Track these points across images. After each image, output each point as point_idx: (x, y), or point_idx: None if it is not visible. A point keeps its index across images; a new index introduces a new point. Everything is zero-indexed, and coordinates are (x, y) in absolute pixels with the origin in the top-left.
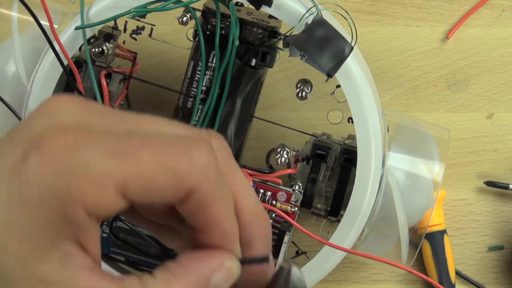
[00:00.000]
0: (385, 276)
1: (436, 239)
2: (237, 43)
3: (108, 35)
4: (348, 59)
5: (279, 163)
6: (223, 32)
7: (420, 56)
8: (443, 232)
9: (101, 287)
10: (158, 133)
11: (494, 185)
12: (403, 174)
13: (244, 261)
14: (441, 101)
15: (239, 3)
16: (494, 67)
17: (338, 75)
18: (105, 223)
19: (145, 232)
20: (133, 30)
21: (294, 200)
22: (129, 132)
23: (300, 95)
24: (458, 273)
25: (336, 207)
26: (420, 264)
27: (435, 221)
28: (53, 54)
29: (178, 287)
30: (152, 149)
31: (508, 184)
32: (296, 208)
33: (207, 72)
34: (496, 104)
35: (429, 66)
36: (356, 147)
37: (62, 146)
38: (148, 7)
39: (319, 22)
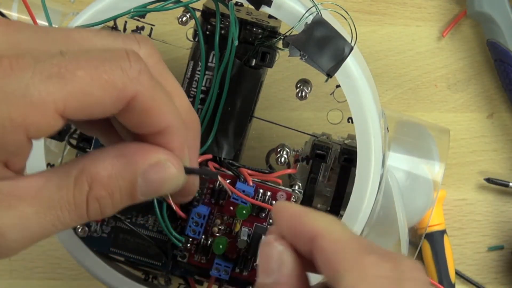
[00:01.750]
0: None
1: (436, 239)
2: (236, 43)
3: None
4: (348, 59)
5: (278, 163)
6: (222, 32)
7: (420, 56)
8: (443, 232)
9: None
10: (88, 49)
11: (494, 182)
12: (403, 174)
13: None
14: (441, 101)
15: (239, 3)
16: (494, 67)
17: (338, 75)
18: (105, 223)
19: (145, 233)
20: (132, 30)
21: (294, 200)
22: (61, 51)
23: (300, 95)
24: (458, 273)
25: (336, 207)
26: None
27: (435, 221)
28: None
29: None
30: (86, 66)
31: (509, 182)
32: None
33: (206, 72)
34: (496, 104)
35: (429, 66)
36: (356, 147)
37: None
38: (147, 7)
39: (319, 22)
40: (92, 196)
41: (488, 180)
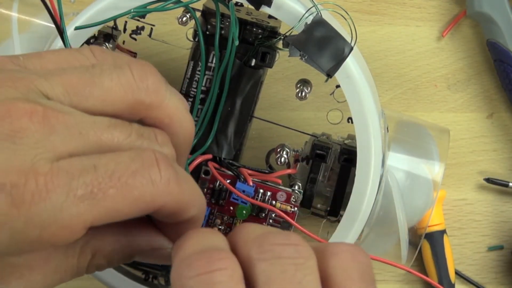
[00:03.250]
0: (385, 276)
1: (435, 239)
2: (236, 43)
3: (107, 35)
4: (348, 59)
5: (278, 163)
6: (222, 32)
7: (420, 56)
8: (443, 232)
9: None
10: (119, 158)
11: (494, 182)
12: (403, 174)
13: None
14: (441, 101)
15: (239, 3)
16: (494, 67)
17: (338, 75)
18: None
19: None
20: (132, 30)
21: (294, 200)
22: (94, 165)
23: (300, 95)
24: (458, 273)
25: (336, 207)
26: (420, 264)
27: (434, 221)
28: None
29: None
30: (117, 184)
31: (508, 182)
32: (296, 208)
33: (206, 72)
34: (496, 104)
35: (429, 66)
36: (355, 147)
37: (34, 194)
38: (148, 7)
39: (319, 22)
40: (93, 264)
41: (488, 180)
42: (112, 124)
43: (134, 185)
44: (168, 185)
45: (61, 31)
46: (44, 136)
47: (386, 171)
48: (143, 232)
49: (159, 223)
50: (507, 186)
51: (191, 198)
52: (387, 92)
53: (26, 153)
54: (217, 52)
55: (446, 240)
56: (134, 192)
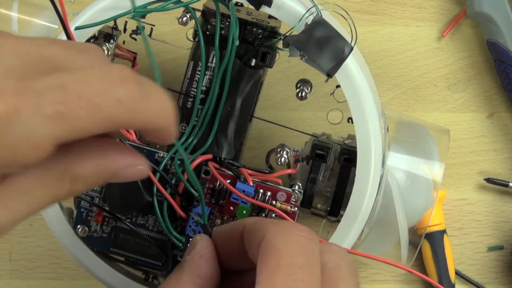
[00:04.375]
0: (385, 276)
1: (435, 239)
2: (237, 42)
3: (108, 35)
4: (348, 59)
5: (278, 163)
6: (222, 32)
7: (420, 56)
8: (443, 232)
9: None
10: (87, 77)
11: (494, 182)
12: (403, 174)
13: None
14: (441, 101)
15: (239, 3)
16: (494, 67)
17: (338, 75)
18: (105, 223)
19: (145, 233)
20: (133, 30)
21: (294, 200)
22: (62, 84)
23: (300, 95)
24: (458, 273)
25: (336, 207)
26: (420, 264)
27: (434, 221)
28: None
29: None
30: (87, 103)
31: (509, 182)
32: (296, 208)
33: (207, 72)
34: (496, 104)
35: (429, 66)
36: (356, 147)
37: (3, 116)
38: (148, 7)
39: (319, 22)
40: (73, 189)
41: (488, 180)
42: (52, 40)
43: (103, 105)
44: (136, 103)
45: (67, 30)
46: None
47: (386, 171)
48: (120, 154)
49: None
50: (507, 186)
51: (159, 110)
52: (387, 92)
53: None
54: (217, 52)
55: (446, 240)
56: (103, 111)
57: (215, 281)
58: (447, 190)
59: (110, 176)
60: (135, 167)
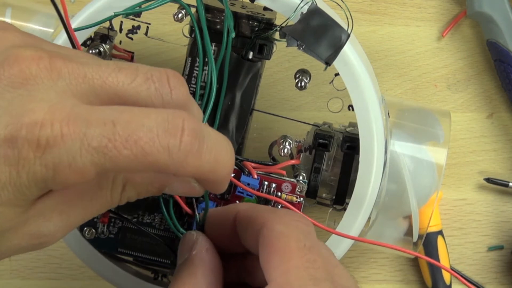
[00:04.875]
0: (385, 276)
1: (430, 240)
2: (233, 34)
3: (104, 36)
4: (345, 47)
5: (282, 154)
6: (218, 27)
7: (420, 56)
8: (438, 233)
9: None
10: (142, 120)
11: (494, 182)
12: (407, 158)
13: None
14: (441, 101)
15: None
16: (494, 67)
17: (336, 62)
18: (112, 224)
19: (152, 231)
20: (129, 30)
21: (299, 190)
22: (113, 120)
23: (299, 85)
24: (458, 273)
25: (341, 195)
26: (416, 264)
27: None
28: None
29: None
30: (134, 145)
31: (508, 182)
32: (302, 199)
33: (205, 68)
34: (496, 104)
35: (429, 66)
36: (357, 134)
37: (49, 139)
38: (142, 6)
39: (315, 11)
40: (124, 196)
41: (488, 180)
42: (118, 67)
43: (150, 151)
44: (186, 157)
45: (69, 32)
46: (53, 82)
47: (389, 157)
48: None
49: None
50: (507, 186)
51: (212, 167)
52: (387, 92)
53: (41, 99)
54: (209, 45)
55: (440, 241)
56: (148, 158)
57: (221, 273)
58: (447, 190)
59: (163, 187)
60: (190, 183)
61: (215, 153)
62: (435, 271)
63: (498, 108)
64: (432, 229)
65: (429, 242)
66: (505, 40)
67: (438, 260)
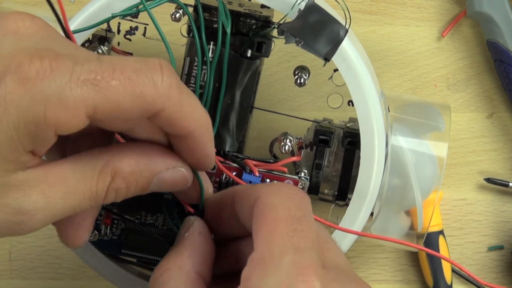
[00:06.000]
0: (385, 276)
1: (431, 240)
2: (228, 31)
3: (102, 38)
4: (344, 42)
5: (283, 151)
6: (215, 25)
7: (420, 56)
8: (439, 233)
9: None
10: (122, 58)
11: (494, 182)
12: (408, 152)
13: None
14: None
15: None
16: (494, 67)
17: (335, 58)
18: (115, 225)
19: (156, 232)
20: (126, 31)
21: (301, 187)
22: (98, 57)
23: (298, 81)
24: (458, 273)
25: (343, 191)
26: (417, 264)
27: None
28: None
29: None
30: (120, 77)
31: (509, 182)
32: None
33: (203, 67)
34: (496, 104)
35: (429, 66)
36: (358, 130)
37: (39, 71)
38: (139, 6)
39: (312, 8)
40: (112, 187)
41: (488, 180)
42: None
43: (137, 81)
44: (169, 89)
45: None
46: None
47: (390, 151)
48: (160, 154)
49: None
50: (507, 186)
51: (192, 109)
52: (388, 92)
53: (30, 42)
54: (205, 43)
55: (442, 241)
56: (136, 88)
57: (213, 257)
58: (447, 190)
59: (151, 176)
60: (176, 168)
61: (192, 97)
62: (437, 270)
63: (498, 108)
64: (434, 228)
65: (430, 242)
66: (505, 40)
67: (440, 260)
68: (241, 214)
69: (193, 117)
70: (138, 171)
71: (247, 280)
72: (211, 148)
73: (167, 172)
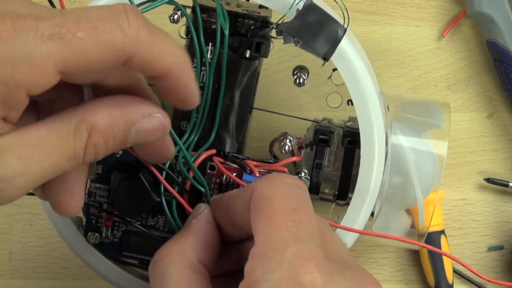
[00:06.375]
0: (385, 276)
1: (432, 239)
2: (226, 32)
3: None
4: (342, 41)
5: (283, 151)
6: (214, 27)
7: (420, 56)
8: (441, 232)
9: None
10: (86, 9)
11: (494, 182)
12: (409, 150)
13: None
14: None
15: None
16: (494, 67)
17: (334, 58)
18: (115, 228)
19: (157, 234)
20: None
21: None
22: (61, 11)
23: (297, 81)
24: (457, 273)
25: (344, 190)
26: (418, 264)
27: (432, 221)
28: None
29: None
30: (86, 27)
31: (508, 182)
32: None
33: (202, 68)
34: (496, 104)
35: (429, 66)
36: (358, 129)
37: (1, 33)
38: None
39: (310, 7)
40: (90, 143)
41: (488, 180)
42: None
43: (103, 29)
44: (138, 32)
45: None
46: None
47: (390, 149)
48: (133, 103)
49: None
50: (507, 186)
51: (166, 48)
52: (387, 91)
53: None
54: (203, 44)
55: (443, 240)
56: (103, 36)
57: (217, 248)
58: (447, 190)
59: (128, 127)
60: (152, 115)
61: (163, 34)
62: (438, 270)
63: (498, 108)
64: (435, 228)
65: (432, 241)
66: (505, 40)
67: (442, 259)
68: (238, 212)
69: (168, 55)
70: (114, 123)
71: (251, 274)
72: (193, 84)
73: (144, 120)
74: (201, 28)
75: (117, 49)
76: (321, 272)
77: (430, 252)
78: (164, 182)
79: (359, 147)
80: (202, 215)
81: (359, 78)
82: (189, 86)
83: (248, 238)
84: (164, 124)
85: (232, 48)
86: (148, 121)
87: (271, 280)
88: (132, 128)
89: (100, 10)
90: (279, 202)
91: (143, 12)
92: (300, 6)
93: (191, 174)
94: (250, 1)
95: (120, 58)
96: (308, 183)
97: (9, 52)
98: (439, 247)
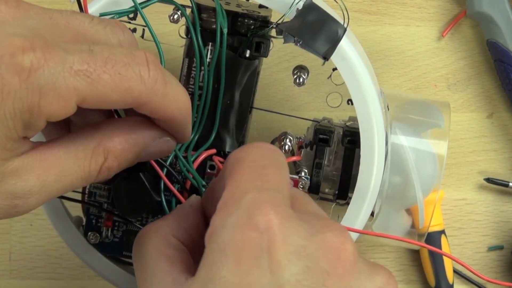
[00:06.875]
0: None
1: (433, 239)
2: (225, 31)
3: None
4: (342, 41)
5: (283, 151)
6: (213, 26)
7: (420, 56)
8: (441, 232)
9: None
10: (113, 51)
11: (494, 182)
12: (409, 149)
13: None
14: None
15: None
16: (494, 67)
17: (334, 57)
18: (116, 227)
19: None
20: None
21: (302, 186)
22: (90, 48)
23: (297, 81)
24: (458, 273)
25: (344, 190)
26: (419, 264)
27: (432, 221)
28: None
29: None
30: (111, 71)
31: (508, 182)
32: None
33: (202, 68)
34: (496, 104)
35: (429, 66)
36: (358, 128)
37: (33, 62)
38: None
39: (310, 7)
40: (105, 166)
41: (488, 180)
42: (73, 11)
43: (126, 76)
44: (155, 83)
45: None
46: (23, 21)
47: (390, 149)
48: (147, 127)
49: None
50: (507, 186)
51: (175, 99)
52: (387, 90)
53: (15, 33)
54: (201, 44)
55: (444, 240)
56: (125, 83)
57: (201, 231)
58: (447, 190)
59: (141, 150)
60: (162, 138)
61: (175, 85)
62: (439, 269)
63: (498, 108)
64: (435, 228)
65: (433, 241)
66: (505, 40)
67: (442, 259)
68: (220, 191)
69: (176, 105)
70: (128, 148)
71: (212, 224)
72: (189, 128)
73: (154, 144)
74: (198, 27)
75: (134, 97)
76: (278, 215)
77: (431, 252)
78: (165, 178)
79: (359, 147)
80: (187, 201)
81: (359, 78)
82: (185, 129)
83: None
84: (172, 146)
85: (232, 48)
86: (158, 144)
87: (227, 225)
88: (144, 152)
89: (125, 56)
90: (248, 161)
91: (142, 8)
92: (300, 5)
93: (191, 174)
94: (250, 1)
95: (134, 104)
96: (308, 182)
97: (39, 82)
98: (439, 247)
